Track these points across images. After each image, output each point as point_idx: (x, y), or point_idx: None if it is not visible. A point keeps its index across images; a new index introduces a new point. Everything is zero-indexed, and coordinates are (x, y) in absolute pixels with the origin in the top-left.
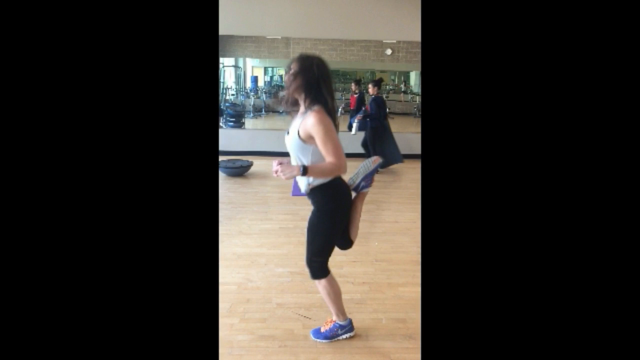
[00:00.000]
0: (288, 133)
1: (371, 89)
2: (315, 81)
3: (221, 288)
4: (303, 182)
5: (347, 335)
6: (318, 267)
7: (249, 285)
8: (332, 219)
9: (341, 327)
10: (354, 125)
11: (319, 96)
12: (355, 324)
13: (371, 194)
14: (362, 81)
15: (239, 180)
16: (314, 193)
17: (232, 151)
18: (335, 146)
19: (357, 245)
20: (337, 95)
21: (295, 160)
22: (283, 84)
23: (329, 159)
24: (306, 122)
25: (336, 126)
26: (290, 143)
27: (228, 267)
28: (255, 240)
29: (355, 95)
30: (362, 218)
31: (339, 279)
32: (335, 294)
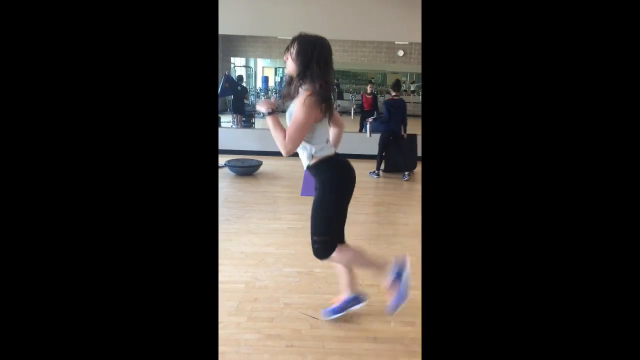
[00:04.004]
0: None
1: (392, 92)
2: (309, 63)
3: (229, 286)
4: (305, 155)
5: (359, 305)
6: (320, 246)
7: (256, 284)
8: (337, 193)
9: (352, 300)
10: (367, 127)
11: (310, 78)
12: (363, 327)
13: (381, 195)
14: (374, 82)
15: (248, 179)
16: (319, 166)
17: (242, 150)
18: (297, 131)
19: (366, 247)
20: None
21: None
22: None
23: (288, 133)
24: (295, 101)
25: (329, 108)
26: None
27: (236, 265)
28: (264, 240)
29: (369, 97)
30: (371, 220)
31: None
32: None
